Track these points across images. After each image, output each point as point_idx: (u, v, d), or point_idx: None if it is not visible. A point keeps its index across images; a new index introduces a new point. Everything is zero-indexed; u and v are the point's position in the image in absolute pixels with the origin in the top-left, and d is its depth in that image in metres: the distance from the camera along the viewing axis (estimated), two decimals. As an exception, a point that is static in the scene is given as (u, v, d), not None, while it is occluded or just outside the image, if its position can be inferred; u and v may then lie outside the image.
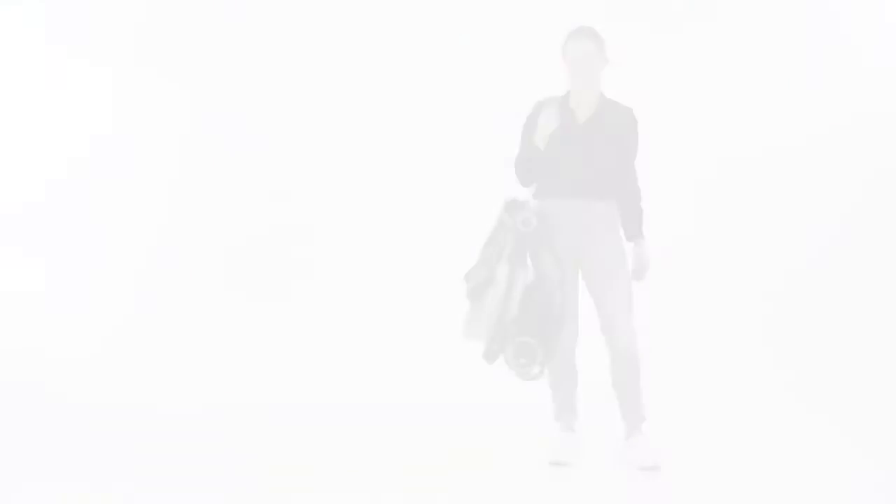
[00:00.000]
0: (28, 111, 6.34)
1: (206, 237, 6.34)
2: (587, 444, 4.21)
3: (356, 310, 6.11)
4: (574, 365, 4.08)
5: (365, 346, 5.87)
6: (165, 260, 6.29)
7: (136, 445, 4.34)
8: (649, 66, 6.60)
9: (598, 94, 4.03)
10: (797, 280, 6.44)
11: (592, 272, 4.00)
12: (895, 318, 6.31)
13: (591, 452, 4.16)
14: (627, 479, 3.99)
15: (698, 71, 6.62)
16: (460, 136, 6.29)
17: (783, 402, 5.26)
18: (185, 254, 6.31)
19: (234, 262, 6.31)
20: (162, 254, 6.30)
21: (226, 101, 6.44)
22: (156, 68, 6.39)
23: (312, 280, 6.25)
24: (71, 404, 5.01)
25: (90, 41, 6.36)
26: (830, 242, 6.52)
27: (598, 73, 4.00)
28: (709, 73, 6.62)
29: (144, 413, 4.89)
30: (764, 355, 6.03)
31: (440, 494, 3.69)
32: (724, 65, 6.63)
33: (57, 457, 4.17)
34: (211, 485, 3.81)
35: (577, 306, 4.03)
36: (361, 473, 3.97)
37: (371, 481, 3.88)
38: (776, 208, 6.59)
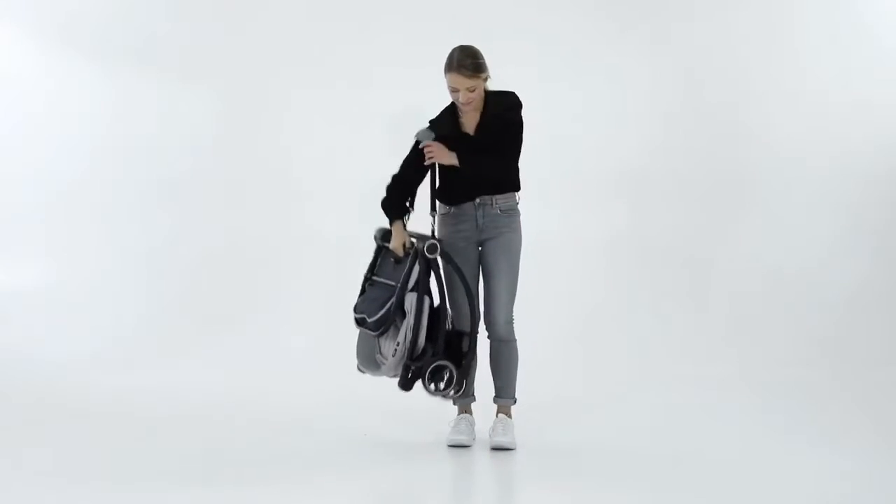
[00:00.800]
0: (29, 110, 6.33)
1: (206, 237, 6.34)
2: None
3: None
4: (475, 350, 4.25)
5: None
6: (163, 260, 6.28)
7: (133, 446, 4.34)
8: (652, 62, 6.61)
9: (482, 97, 4.14)
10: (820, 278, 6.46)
11: (486, 260, 4.21)
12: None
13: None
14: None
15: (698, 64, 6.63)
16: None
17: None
18: (183, 253, 6.30)
19: (233, 263, 6.30)
20: (159, 254, 6.29)
21: (233, 102, 6.44)
22: (158, 69, 6.37)
23: (317, 283, 6.24)
24: (69, 405, 5.02)
25: (88, 38, 6.36)
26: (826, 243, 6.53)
27: (479, 95, 4.09)
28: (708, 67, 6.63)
29: (142, 414, 4.89)
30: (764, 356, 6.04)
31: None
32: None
33: (56, 458, 4.17)
34: (209, 485, 3.82)
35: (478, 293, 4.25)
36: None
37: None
38: (770, 208, 6.60)
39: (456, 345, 4.08)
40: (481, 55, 4.08)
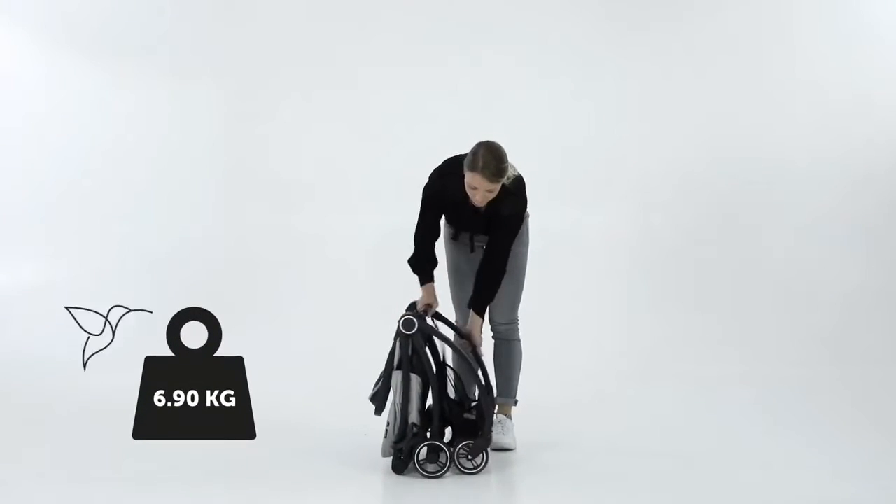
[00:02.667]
0: (29, 110, 6.33)
1: (208, 236, 6.33)
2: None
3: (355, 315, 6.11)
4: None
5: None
6: (163, 260, 6.28)
7: (133, 446, 4.34)
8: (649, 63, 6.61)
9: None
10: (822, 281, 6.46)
11: None
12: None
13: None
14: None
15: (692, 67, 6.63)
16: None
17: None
18: (183, 253, 6.30)
19: (231, 267, 6.30)
20: (159, 253, 6.29)
21: (238, 104, 6.44)
22: (159, 69, 6.37)
23: (318, 283, 6.24)
24: (69, 405, 5.02)
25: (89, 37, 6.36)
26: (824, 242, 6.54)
27: (494, 194, 4.02)
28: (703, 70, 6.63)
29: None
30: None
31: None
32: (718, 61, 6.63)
33: (56, 458, 4.17)
34: (209, 485, 3.81)
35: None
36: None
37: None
38: (767, 208, 6.60)
39: (460, 419, 3.98)
40: (506, 156, 3.98)
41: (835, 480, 3.86)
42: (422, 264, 4.18)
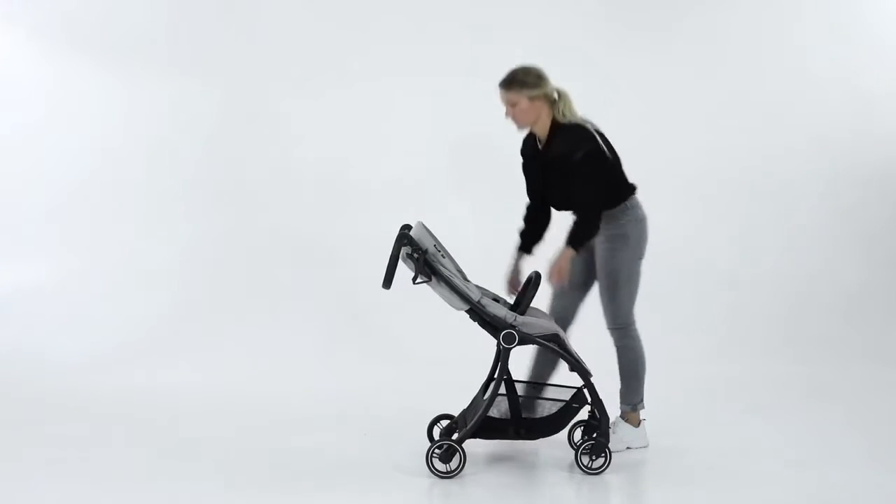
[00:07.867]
0: (29, 111, 6.32)
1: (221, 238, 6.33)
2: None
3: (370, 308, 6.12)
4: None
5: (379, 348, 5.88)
6: (172, 262, 6.28)
7: (133, 447, 4.35)
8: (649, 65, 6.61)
9: (546, 123, 4.12)
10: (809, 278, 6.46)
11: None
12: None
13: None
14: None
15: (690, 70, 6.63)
16: (466, 143, 6.29)
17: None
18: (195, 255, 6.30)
19: (238, 266, 6.30)
20: (170, 256, 6.29)
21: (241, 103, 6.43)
22: (161, 69, 6.36)
23: (320, 283, 6.24)
24: (69, 405, 5.02)
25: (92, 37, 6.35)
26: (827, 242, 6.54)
27: (529, 112, 4.07)
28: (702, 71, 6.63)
29: (142, 414, 4.89)
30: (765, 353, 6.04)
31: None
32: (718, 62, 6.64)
33: (55, 458, 4.18)
34: (209, 486, 3.82)
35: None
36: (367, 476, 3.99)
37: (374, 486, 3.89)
38: (768, 208, 6.60)
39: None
40: (528, 72, 4.07)
41: (834, 482, 3.87)
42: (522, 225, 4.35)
